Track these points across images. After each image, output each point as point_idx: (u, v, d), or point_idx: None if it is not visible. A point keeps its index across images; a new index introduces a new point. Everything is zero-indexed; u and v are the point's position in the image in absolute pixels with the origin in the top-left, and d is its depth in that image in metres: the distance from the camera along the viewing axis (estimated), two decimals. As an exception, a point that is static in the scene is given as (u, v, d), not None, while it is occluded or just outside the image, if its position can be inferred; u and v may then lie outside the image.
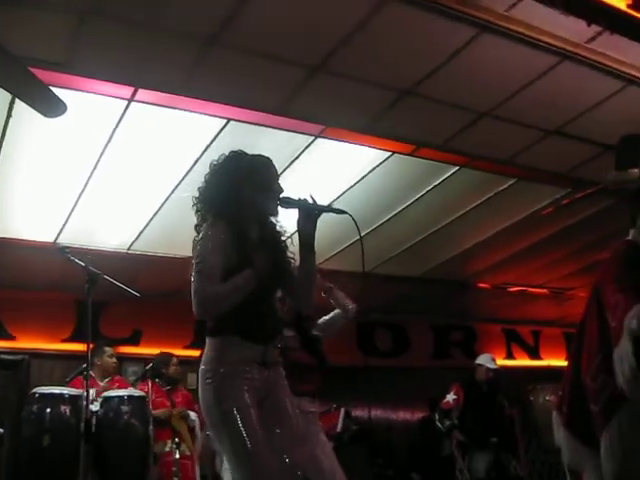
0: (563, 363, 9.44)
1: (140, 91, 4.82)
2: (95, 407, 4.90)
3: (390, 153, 6.07)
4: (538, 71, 5.05)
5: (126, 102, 4.93)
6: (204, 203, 2.87)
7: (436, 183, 6.65)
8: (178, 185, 6.01)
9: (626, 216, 2.81)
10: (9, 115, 4.88)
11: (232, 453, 2.59)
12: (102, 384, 5.71)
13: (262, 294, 2.75)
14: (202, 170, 2.99)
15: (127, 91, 4.81)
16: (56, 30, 4.21)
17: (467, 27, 4.54)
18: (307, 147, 5.80)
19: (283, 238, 2.96)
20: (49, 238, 6.64)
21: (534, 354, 11.43)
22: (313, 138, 5.70)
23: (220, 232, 2.71)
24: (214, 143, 5.46)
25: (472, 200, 7.06)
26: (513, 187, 6.81)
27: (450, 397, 7.18)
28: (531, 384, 10.66)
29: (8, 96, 4.53)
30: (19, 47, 3.90)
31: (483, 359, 7.43)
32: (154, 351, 6.67)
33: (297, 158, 5.88)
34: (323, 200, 2.90)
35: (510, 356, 11.14)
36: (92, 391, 4.84)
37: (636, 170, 2.82)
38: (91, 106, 4.94)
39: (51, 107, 4.05)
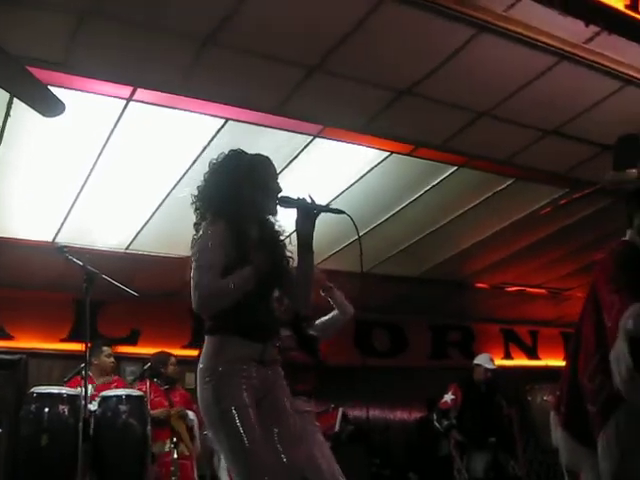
0: (561, 363, 9.42)
1: (139, 91, 4.83)
2: (93, 407, 4.89)
3: (389, 153, 6.08)
4: (536, 71, 5.06)
5: (124, 102, 4.93)
6: (203, 202, 2.87)
7: (434, 183, 6.66)
8: (176, 185, 6.01)
9: (624, 216, 2.82)
10: (7, 115, 4.88)
11: (230, 452, 2.59)
12: (100, 383, 5.71)
13: (261, 293, 2.75)
14: (200, 170, 2.99)
15: (126, 91, 4.82)
16: (55, 30, 4.21)
17: (465, 27, 4.55)
18: (306, 147, 5.80)
19: (282, 237, 2.96)
20: (47, 237, 6.64)
21: (532, 354, 11.43)
22: (312, 138, 5.71)
23: (220, 231, 2.70)
24: (212, 143, 5.46)
25: (470, 200, 7.07)
26: (511, 187, 6.82)
27: (448, 397, 7.19)
28: (529, 384, 10.68)
29: (7, 96, 4.53)
30: (18, 47, 3.91)
31: (481, 359, 7.44)
32: (152, 351, 6.65)
33: (296, 158, 5.88)
34: (321, 200, 2.90)
35: (508, 356, 11.14)
36: (90, 387, 4.83)
37: (634, 170, 2.82)
38: (90, 106, 4.94)
39: (50, 107, 4.05)
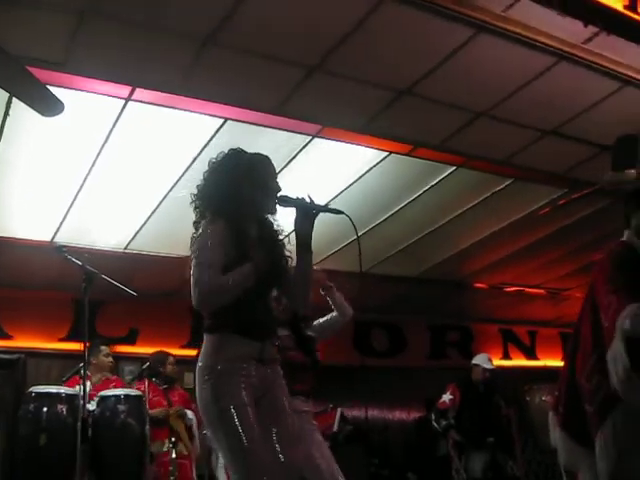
0: (559, 363, 9.44)
1: (138, 90, 4.82)
2: (92, 406, 4.90)
3: (387, 153, 6.08)
4: (535, 71, 5.06)
5: (123, 101, 4.93)
6: (203, 200, 2.87)
7: (433, 183, 6.66)
8: (175, 185, 6.01)
9: (622, 217, 2.83)
10: (7, 114, 4.88)
11: (228, 450, 2.59)
12: (98, 383, 5.71)
13: (259, 291, 2.75)
14: (199, 170, 2.99)
15: (125, 90, 4.81)
16: (55, 30, 4.21)
17: (464, 27, 4.56)
18: (304, 147, 5.80)
19: (281, 237, 2.96)
20: (46, 237, 6.63)
21: (530, 354, 11.43)
22: (311, 138, 5.71)
23: (219, 229, 2.71)
24: (211, 143, 5.46)
25: (469, 200, 7.08)
26: (510, 187, 6.82)
27: (446, 397, 7.19)
28: (528, 384, 10.70)
29: (6, 95, 4.53)
30: (17, 46, 3.91)
31: (479, 359, 7.44)
32: (150, 350, 6.65)
33: (294, 158, 5.88)
34: (320, 200, 2.91)
35: (506, 356, 11.14)
36: (88, 383, 4.83)
37: (632, 171, 2.83)
38: (89, 105, 4.94)
39: (49, 106, 4.05)
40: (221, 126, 5.36)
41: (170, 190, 6.09)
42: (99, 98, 4.85)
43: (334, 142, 5.80)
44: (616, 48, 4.82)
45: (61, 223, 6.45)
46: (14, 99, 4.48)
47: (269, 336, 2.80)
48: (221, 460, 5.41)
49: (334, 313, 4.66)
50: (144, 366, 6.14)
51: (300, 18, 4.37)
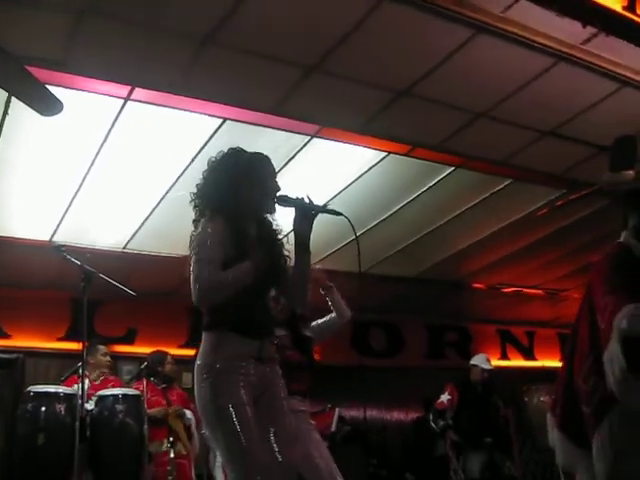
0: (557, 364, 9.48)
1: (137, 90, 4.83)
2: (90, 406, 4.89)
3: (386, 153, 6.08)
4: (534, 72, 5.06)
5: (122, 101, 4.93)
6: (202, 199, 2.88)
7: (432, 183, 6.66)
8: (174, 184, 6.01)
9: (620, 217, 2.83)
10: (5, 113, 4.88)
11: (226, 449, 2.60)
12: (97, 382, 5.71)
13: (258, 290, 2.76)
14: (198, 169, 3.00)
15: (124, 90, 4.82)
16: (54, 29, 4.21)
17: (463, 28, 4.56)
18: (303, 147, 5.81)
19: (279, 236, 2.97)
20: (45, 237, 6.63)
21: (529, 355, 11.44)
22: (309, 138, 5.71)
23: (219, 228, 2.72)
24: (210, 142, 5.46)
25: (467, 201, 7.08)
26: (508, 188, 6.83)
27: (444, 397, 7.19)
28: (525, 385, 10.70)
29: (4, 94, 4.53)
30: (17, 45, 3.91)
31: (478, 359, 7.44)
32: (149, 350, 6.64)
33: (293, 158, 5.89)
34: (319, 200, 2.92)
35: (505, 357, 11.14)
36: (86, 382, 4.82)
37: (630, 172, 2.83)
38: (88, 105, 4.94)
39: (48, 106, 4.05)
40: (220, 126, 5.36)
41: (169, 190, 6.10)
42: (98, 97, 4.85)
43: (333, 142, 5.80)
44: (615, 49, 4.82)
45: (60, 222, 6.45)
46: (13, 98, 4.48)
47: (267, 335, 2.81)
48: (219, 459, 5.40)
49: (332, 314, 4.65)
50: (142, 366, 6.13)
51: (299, 18, 4.38)
